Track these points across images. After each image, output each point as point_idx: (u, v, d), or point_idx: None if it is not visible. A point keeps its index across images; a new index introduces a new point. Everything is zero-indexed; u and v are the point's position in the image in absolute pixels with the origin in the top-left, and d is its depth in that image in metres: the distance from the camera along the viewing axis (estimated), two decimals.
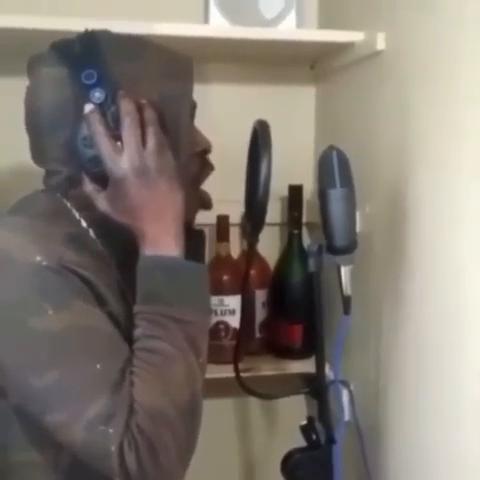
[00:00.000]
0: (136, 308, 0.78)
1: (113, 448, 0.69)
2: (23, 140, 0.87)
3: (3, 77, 1.21)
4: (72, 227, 0.82)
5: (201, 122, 0.93)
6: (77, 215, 0.84)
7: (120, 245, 0.83)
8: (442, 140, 0.89)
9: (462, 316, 0.85)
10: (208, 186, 0.92)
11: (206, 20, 1.27)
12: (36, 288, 0.74)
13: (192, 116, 0.89)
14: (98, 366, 0.72)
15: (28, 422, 0.76)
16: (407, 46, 1.00)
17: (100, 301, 0.77)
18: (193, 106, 0.89)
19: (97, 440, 0.70)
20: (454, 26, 0.86)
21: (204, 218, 0.99)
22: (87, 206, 0.82)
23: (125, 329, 0.77)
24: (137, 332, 0.76)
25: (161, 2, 1.28)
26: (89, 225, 0.84)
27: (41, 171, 0.88)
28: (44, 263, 0.74)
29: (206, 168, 0.91)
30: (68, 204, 0.84)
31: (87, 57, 0.80)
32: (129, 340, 0.76)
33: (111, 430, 0.69)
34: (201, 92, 1.21)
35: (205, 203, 0.91)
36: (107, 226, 0.82)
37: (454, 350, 0.87)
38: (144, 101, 0.80)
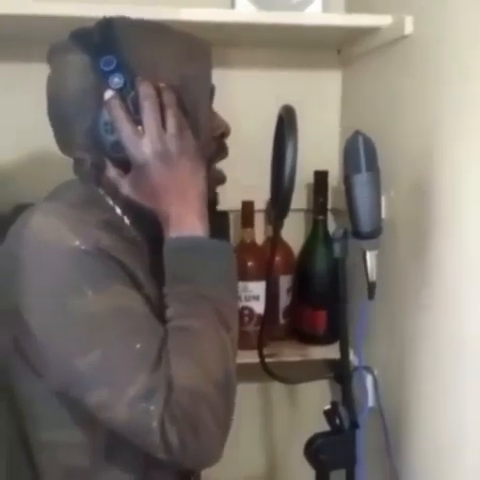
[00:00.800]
0: (165, 289, 0.79)
1: (155, 424, 0.71)
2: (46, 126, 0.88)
3: (23, 63, 1.22)
4: (107, 214, 0.83)
5: (227, 107, 0.93)
6: (111, 202, 0.85)
7: (150, 231, 0.84)
8: (471, 125, 0.88)
9: None
10: (234, 172, 0.92)
11: (232, 5, 1.27)
12: (75, 271, 0.75)
13: (211, 99, 0.90)
14: (138, 346, 0.73)
15: (67, 401, 0.78)
16: (435, 30, 0.98)
17: (136, 284, 0.79)
18: (212, 89, 0.90)
19: (139, 417, 0.71)
20: None
21: (229, 204, 0.99)
22: (117, 191, 0.83)
23: (159, 311, 0.78)
24: (169, 312, 0.78)
25: None
26: (123, 212, 0.85)
27: (63, 157, 0.89)
28: (82, 247, 0.75)
29: (222, 152, 0.91)
30: (102, 192, 0.86)
31: (105, 44, 0.81)
32: (163, 321, 0.78)
33: (152, 407, 0.71)
34: (227, 77, 1.22)
35: (220, 179, 0.92)
36: (136, 212, 0.83)
37: (477, 337, 0.86)
38: (163, 85, 0.80)
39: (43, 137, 0.91)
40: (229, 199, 0.95)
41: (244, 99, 1.33)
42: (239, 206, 1.30)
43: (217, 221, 0.83)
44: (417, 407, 1.06)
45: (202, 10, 1.10)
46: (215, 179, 0.90)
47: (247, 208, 1.31)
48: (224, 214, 0.92)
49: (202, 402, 0.73)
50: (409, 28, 1.05)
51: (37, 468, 0.82)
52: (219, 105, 0.92)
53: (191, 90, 0.84)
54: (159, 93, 0.80)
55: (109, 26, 0.82)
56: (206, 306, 0.77)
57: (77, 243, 0.75)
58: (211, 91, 0.90)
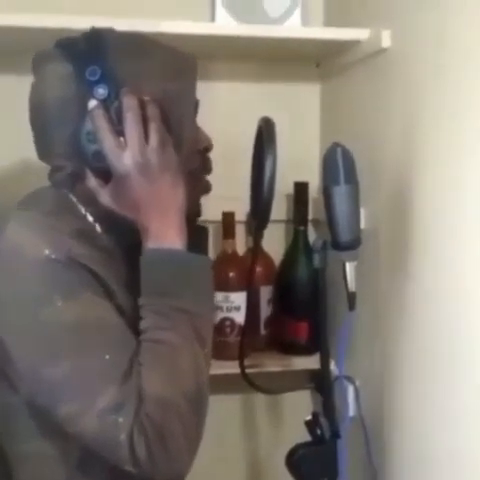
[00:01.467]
0: (141, 300, 0.79)
1: (123, 436, 0.70)
2: (26, 137, 0.88)
3: (7, 75, 1.21)
4: (79, 222, 0.83)
5: (207, 119, 0.93)
6: (83, 210, 0.85)
7: (125, 239, 0.84)
8: (447, 137, 0.90)
9: (467, 312, 0.86)
10: (214, 182, 0.93)
11: (212, 18, 1.28)
12: (45, 281, 0.75)
13: (195, 114, 0.90)
14: (107, 357, 0.73)
15: (39, 413, 0.78)
16: (412, 44, 1.00)
17: (108, 294, 0.78)
18: (196, 104, 0.90)
19: (107, 429, 0.71)
20: (459, 23, 0.86)
21: (210, 215, 0.99)
22: (92, 201, 0.83)
23: (131, 322, 0.78)
24: (143, 323, 0.77)
25: (168, 0, 1.29)
26: (95, 220, 0.85)
27: (43, 168, 0.89)
28: (53, 256, 0.75)
29: (206, 167, 0.92)
30: (74, 199, 0.85)
31: (91, 54, 0.81)
32: (135, 332, 0.77)
33: (121, 419, 0.71)
34: (207, 89, 1.22)
35: (206, 188, 0.92)
36: (112, 221, 0.83)
37: (460, 346, 0.87)
38: (147, 98, 0.81)
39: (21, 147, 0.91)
40: (210, 210, 0.95)
41: (224, 111, 1.33)
42: (220, 217, 1.31)
43: (196, 235, 0.83)
44: (399, 417, 1.06)
45: (182, 23, 1.11)
46: (202, 189, 0.91)
47: (228, 219, 1.31)
48: (203, 228, 0.92)
49: (172, 415, 0.73)
50: (386, 42, 1.06)
51: None
52: (199, 117, 0.92)
53: (175, 104, 0.84)
54: (143, 106, 0.80)
55: (96, 37, 0.83)
56: (182, 320, 0.77)
57: (47, 252, 0.75)
58: (195, 106, 0.90)
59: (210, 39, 1.15)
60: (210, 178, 0.93)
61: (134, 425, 0.70)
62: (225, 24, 1.25)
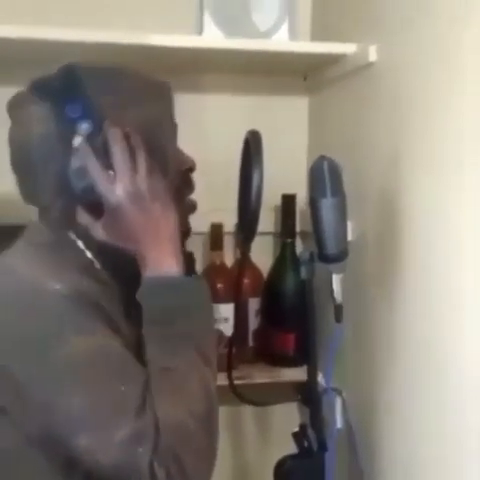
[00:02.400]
0: (144, 330, 0.79)
1: (144, 466, 0.70)
2: None
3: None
4: (80, 258, 0.84)
5: (195, 132, 0.94)
6: (82, 245, 0.85)
7: (123, 272, 0.84)
8: (434, 150, 0.90)
9: (455, 324, 0.86)
10: (203, 194, 0.93)
11: (200, 31, 1.28)
12: (57, 315, 0.75)
13: (175, 137, 0.91)
14: (122, 388, 0.73)
15: (53, 451, 0.76)
16: (398, 58, 1.01)
17: (113, 327, 0.79)
18: (175, 127, 0.91)
19: (128, 460, 0.71)
20: (445, 38, 0.87)
21: (198, 226, 0.99)
22: (88, 236, 0.83)
23: (135, 353, 0.78)
24: (149, 353, 0.77)
25: (156, 13, 1.29)
26: (94, 256, 0.85)
27: None
28: (64, 291, 0.76)
29: (188, 187, 0.92)
30: (72, 236, 0.85)
31: (69, 91, 0.81)
32: (141, 363, 0.77)
33: (141, 449, 0.70)
34: (195, 102, 1.23)
35: (191, 208, 0.92)
36: (108, 255, 0.83)
37: (448, 358, 0.88)
38: (128, 128, 0.81)
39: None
40: (198, 221, 0.95)
41: (212, 124, 1.34)
42: (208, 228, 1.31)
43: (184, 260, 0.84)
44: (386, 428, 1.06)
45: (170, 36, 1.11)
46: (188, 208, 0.91)
47: (216, 231, 1.31)
48: (189, 254, 0.93)
49: (188, 439, 0.73)
50: (373, 56, 1.08)
51: None
52: (188, 129, 0.93)
53: (156, 130, 0.85)
54: (127, 136, 0.80)
55: (70, 73, 0.82)
56: (187, 345, 0.78)
57: (57, 287, 0.76)
58: (174, 129, 0.91)
59: (198, 52, 1.15)
60: (198, 189, 0.93)
61: (154, 454, 0.70)
62: (213, 37, 1.26)
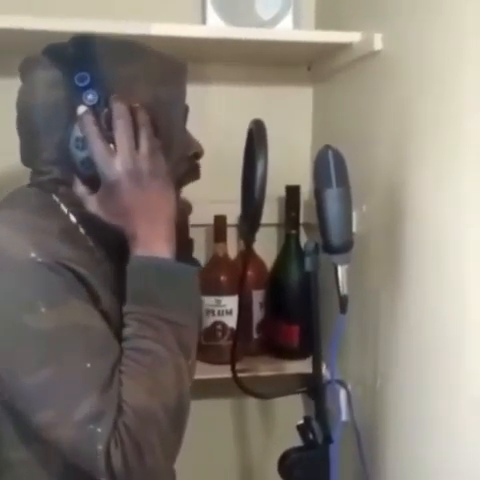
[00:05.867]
0: (127, 308, 0.78)
1: (100, 447, 0.69)
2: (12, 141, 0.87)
3: None
4: (62, 222, 0.82)
5: (198, 122, 0.93)
6: (66, 210, 0.83)
7: (109, 242, 0.83)
8: (440, 140, 0.89)
9: (460, 315, 0.85)
10: (206, 186, 0.92)
11: (203, 21, 1.27)
12: (30, 285, 0.74)
13: (184, 119, 0.90)
14: (88, 365, 0.72)
15: (18, 420, 0.76)
16: (404, 46, 1.00)
17: (93, 299, 0.77)
18: (185, 109, 0.89)
19: (85, 439, 0.70)
20: (451, 26, 0.86)
21: (201, 218, 0.99)
22: (76, 203, 0.82)
23: (116, 328, 0.77)
24: (127, 331, 0.76)
25: (158, 3, 1.28)
26: (78, 221, 0.83)
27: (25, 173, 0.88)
28: (39, 259, 0.74)
29: (194, 173, 0.91)
30: (57, 199, 0.84)
31: (80, 59, 0.80)
32: (119, 338, 0.76)
33: (99, 429, 0.70)
34: (198, 92, 1.21)
35: (186, 210, 0.92)
36: (95, 223, 0.81)
37: (452, 349, 0.87)
38: (137, 104, 0.80)
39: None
40: (202, 213, 0.95)
41: (216, 114, 1.33)
42: (212, 220, 1.30)
43: (182, 246, 0.82)
44: (391, 421, 1.06)
45: (173, 25, 1.10)
46: (181, 209, 0.88)
47: (220, 222, 1.30)
48: (189, 241, 0.92)
49: (151, 428, 0.72)
50: (378, 44, 1.06)
51: None
52: (191, 119, 0.92)
53: (165, 110, 0.84)
54: (133, 112, 0.79)
55: (84, 42, 0.82)
56: (167, 330, 0.76)
57: (33, 255, 0.74)
58: (185, 111, 0.89)
59: (201, 42, 1.14)
60: (201, 181, 0.92)
61: (112, 436, 0.69)
62: (216, 27, 1.24)
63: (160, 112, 0.82)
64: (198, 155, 0.90)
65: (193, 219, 0.94)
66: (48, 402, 0.72)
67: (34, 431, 0.74)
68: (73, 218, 0.83)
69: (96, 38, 0.83)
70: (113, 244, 0.82)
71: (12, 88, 0.86)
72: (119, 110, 0.78)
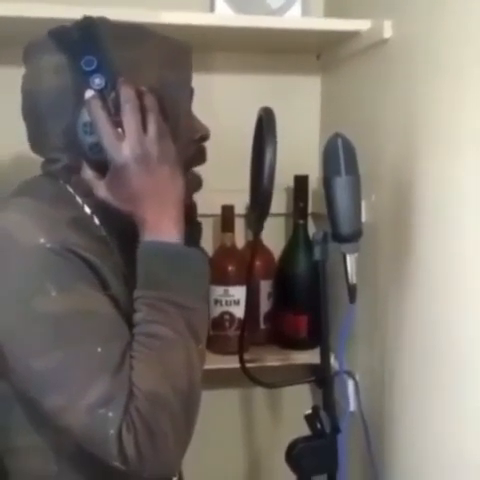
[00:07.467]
0: (137, 293, 0.78)
1: (112, 432, 0.69)
2: (17, 129, 0.87)
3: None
4: (76, 212, 0.82)
5: (207, 111, 0.92)
6: (81, 201, 0.84)
7: (122, 230, 0.83)
8: (449, 128, 0.89)
9: (469, 305, 0.85)
10: (214, 175, 0.92)
11: (212, 9, 1.26)
12: (39, 269, 0.74)
13: (190, 102, 0.89)
14: (99, 349, 0.72)
15: (29, 405, 0.77)
16: (414, 34, 0.99)
17: (103, 285, 0.77)
18: (191, 92, 0.89)
19: (96, 424, 0.70)
20: (461, 13, 0.85)
21: (209, 208, 0.98)
22: (89, 192, 0.82)
23: (126, 313, 0.77)
24: (138, 316, 0.76)
25: None
26: (92, 211, 0.84)
27: (38, 161, 0.88)
28: (48, 245, 0.74)
29: (200, 156, 0.90)
30: (71, 190, 0.84)
31: (86, 43, 0.80)
32: (130, 324, 0.76)
33: (110, 414, 0.70)
34: (207, 81, 1.21)
35: (196, 184, 0.91)
36: (109, 212, 0.81)
37: (461, 340, 0.87)
38: (144, 88, 0.79)
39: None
40: (209, 203, 0.94)
41: (224, 103, 1.32)
42: (219, 210, 1.30)
43: (190, 230, 0.82)
44: (399, 411, 1.06)
45: (181, 13, 1.09)
46: (192, 184, 0.89)
47: (227, 212, 1.30)
48: (198, 224, 0.91)
49: (163, 412, 0.72)
50: (388, 32, 1.05)
51: (7, 474, 0.81)
52: (199, 109, 0.91)
53: (172, 93, 0.83)
54: (140, 96, 0.79)
55: (90, 26, 0.81)
56: (177, 314, 0.76)
57: (42, 241, 0.74)
58: (190, 94, 0.89)
59: (209, 30, 1.13)
60: (209, 170, 0.91)
61: (123, 420, 0.69)
62: (224, 15, 1.23)
63: (167, 95, 0.82)
64: (204, 138, 0.90)
65: (200, 209, 0.94)
66: (58, 386, 0.72)
67: (45, 417, 0.75)
68: (88, 209, 0.84)
69: (101, 21, 0.82)
70: (126, 234, 0.82)
71: (14, 77, 0.86)
72: (127, 94, 0.78)
